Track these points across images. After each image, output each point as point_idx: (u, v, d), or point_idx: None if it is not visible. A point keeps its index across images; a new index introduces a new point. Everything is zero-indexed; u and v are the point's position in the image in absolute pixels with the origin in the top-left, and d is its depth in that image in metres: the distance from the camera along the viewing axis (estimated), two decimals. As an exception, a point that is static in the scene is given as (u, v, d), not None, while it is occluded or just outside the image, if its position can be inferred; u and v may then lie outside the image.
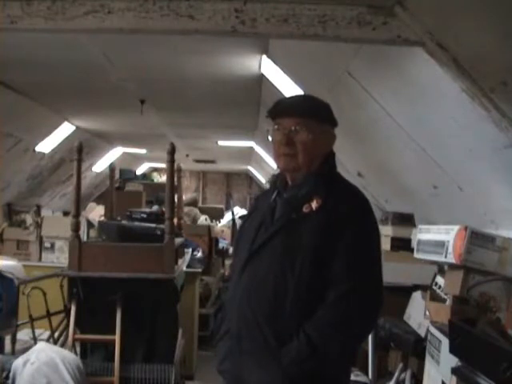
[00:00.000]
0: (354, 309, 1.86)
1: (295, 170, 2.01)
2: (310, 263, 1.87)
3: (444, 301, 2.88)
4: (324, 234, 1.88)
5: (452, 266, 2.84)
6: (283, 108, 2.04)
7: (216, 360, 2.06)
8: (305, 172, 2.00)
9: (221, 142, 10.00)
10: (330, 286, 1.86)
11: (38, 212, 8.36)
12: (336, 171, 2.08)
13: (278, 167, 2.07)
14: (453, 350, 2.20)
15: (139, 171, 13.28)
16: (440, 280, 3.05)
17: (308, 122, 1.98)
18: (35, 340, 3.90)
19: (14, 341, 3.90)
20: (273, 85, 5.13)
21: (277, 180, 2.10)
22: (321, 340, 1.83)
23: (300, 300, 1.87)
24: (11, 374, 3.18)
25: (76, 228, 3.68)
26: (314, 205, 1.93)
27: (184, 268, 4.54)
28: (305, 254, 1.87)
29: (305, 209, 1.93)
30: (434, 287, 3.09)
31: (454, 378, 2.20)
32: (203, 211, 8.38)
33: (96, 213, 6.47)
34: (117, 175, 7.04)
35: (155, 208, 5.54)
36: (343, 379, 2.01)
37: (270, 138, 2.08)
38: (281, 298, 1.88)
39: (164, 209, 4.04)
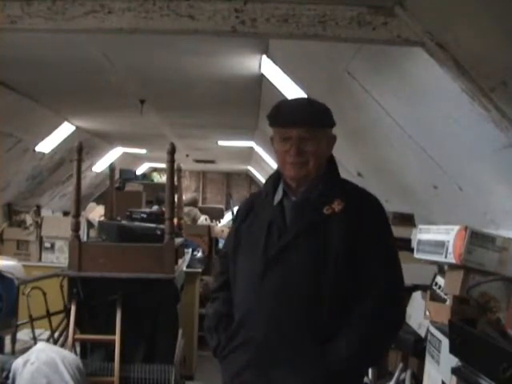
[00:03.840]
0: (394, 307, 1.97)
1: (306, 177, 1.99)
2: (342, 262, 1.89)
3: (444, 301, 2.88)
4: (352, 235, 1.91)
5: (452, 266, 2.84)
6: (287, 118, 1.98)
7: (227, 373, 1.99)
8: (313, 176, 1.99)
9: (221, 142, 9.99)
10: (367, 285, 1.91)
11: (37, 212, 8.35)
12: (338, 172, 2.10)
13: (286, 175, 2.02)
14: (453, 350, 2.20)
15: (139, 171, 13.29)
16: (440, 280, 3.04)
17: (314, 130, 1.96)
18: (35, 340, 3.90)
19: (13, 341, 3.90)
20: (273, 85, 5.12)
21: (275, 183, 2.06)
22: (369, 337, 1.88)
23: (336, 299, 1.90)
24: (11, 374, 3.18)
25: (76, 228, 3.68)
26: (335, 206, 1.94)
27: (184, 268, 4.54)
28: (336, 254, 1.89)
29: (325, 210, 1.93)
30: (433, 287, 3.09)
31: (454, 378, 2.20)
32: (203, 211, 8.40)
33: (96, 213, 6.47)
34: (117, 175, 7.04)
35: (155, 208, 5.55)
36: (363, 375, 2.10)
37: (273, 146, 2.05)
38: (317, 300, 1.89)
39: (164, 209, 4.04)
